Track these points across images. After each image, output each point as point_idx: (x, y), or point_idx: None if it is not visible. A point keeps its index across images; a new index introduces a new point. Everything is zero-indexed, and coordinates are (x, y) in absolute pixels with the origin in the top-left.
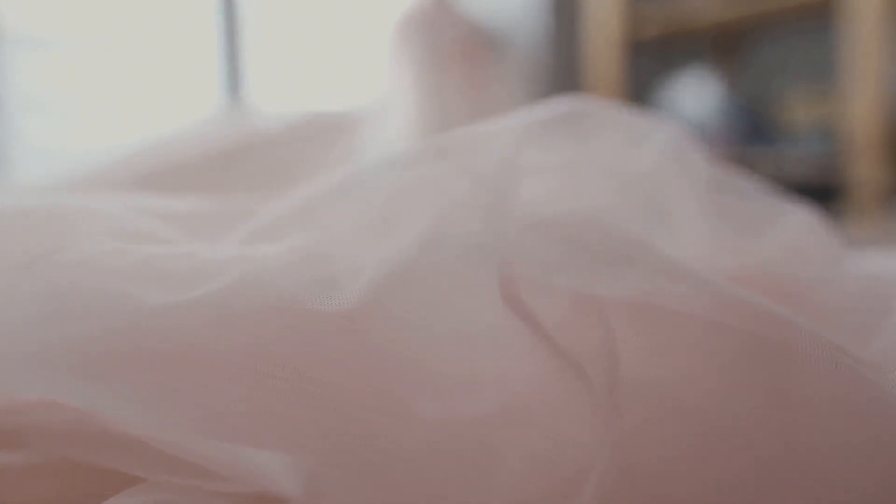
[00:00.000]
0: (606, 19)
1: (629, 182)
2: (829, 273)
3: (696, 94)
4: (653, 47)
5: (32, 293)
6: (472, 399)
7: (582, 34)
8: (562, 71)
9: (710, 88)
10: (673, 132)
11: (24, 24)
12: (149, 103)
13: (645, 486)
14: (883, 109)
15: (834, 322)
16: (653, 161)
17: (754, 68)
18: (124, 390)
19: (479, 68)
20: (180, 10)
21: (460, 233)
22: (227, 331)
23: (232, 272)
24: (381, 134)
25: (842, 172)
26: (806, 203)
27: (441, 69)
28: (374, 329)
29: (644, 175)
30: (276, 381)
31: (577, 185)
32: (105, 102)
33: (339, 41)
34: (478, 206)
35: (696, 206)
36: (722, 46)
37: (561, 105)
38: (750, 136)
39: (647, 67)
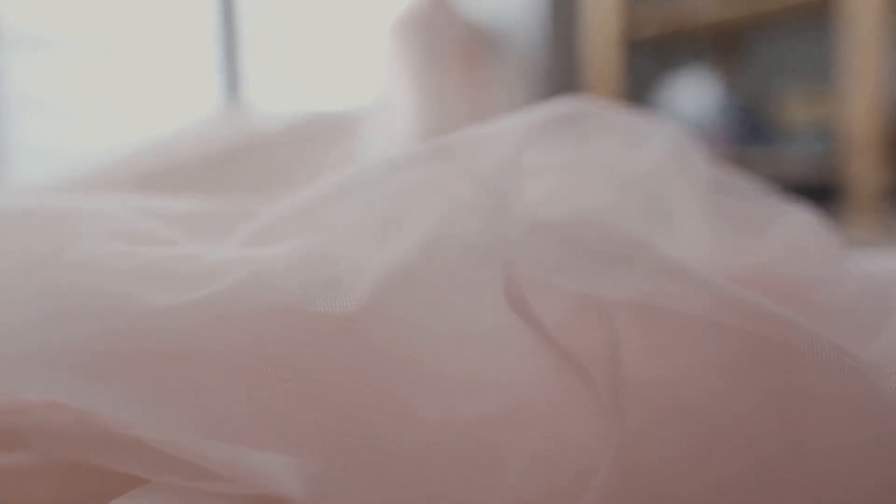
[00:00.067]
0: (605, 19)
1: (629, 182)
2: (830, 273)
3: (695, 93)
4: (651, 47)
5: (33, 293)
6: (474, 399)
7: (580, 34)
8: (560, 71)
9: (708, 88)
10: (673, 132)
11: (23, 23)
12: (147, 103)
13: (647, 487)
14: (881, 109)
15: (835, 322)
16: (653, 161)
17: (752, 68)
18: (125, 391)
19: (478, 68)
20: (178, 9)
21: (462, 234)
22: (229, 332)
23: (234, 273)
24: (380, 134)
25: (840, 172)
26: (803, 203)
27: (439, 69)
28: (375, 330)
29: (644, 175)
30: (278, 382)
31: (578, 185)
32: (104, 102)
33: (337, 41)
34: (479, 206)
35: (696, 207)
36: (720, 46)
37: (561, 106)
38: (748, 136)
39: (645, 67)
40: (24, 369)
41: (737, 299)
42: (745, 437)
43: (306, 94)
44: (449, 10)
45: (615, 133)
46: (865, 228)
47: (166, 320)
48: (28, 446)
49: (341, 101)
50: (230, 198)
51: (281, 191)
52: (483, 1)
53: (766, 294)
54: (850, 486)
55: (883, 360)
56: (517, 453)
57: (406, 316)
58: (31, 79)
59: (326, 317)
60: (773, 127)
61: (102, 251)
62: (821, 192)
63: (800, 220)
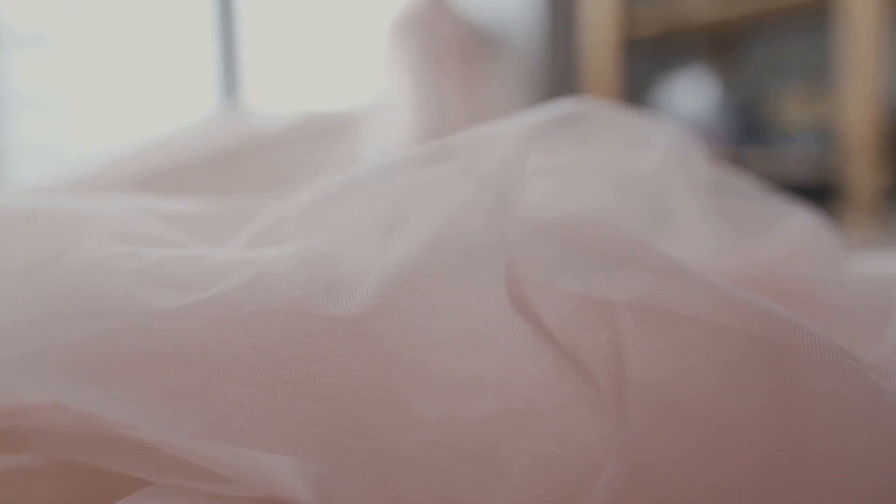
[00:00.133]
0: (602, 19)
1: (631, 183)
2: (831, 274)
3: (692, 93)
4: (649, 46)
5: (35, 295)
6: (477, 400)
7: (578, 33)
8: (558, 70)
9: (705, 88)
10: (674, 133)
11: (21, 22)
12: (146, 103)
13: (649, 487)
14: (878, 109)
15: (836, 323)
16: (654, 162)
17: (750, 68)
18: (128, 392)
19: (475, 67)
20: (176, 9)
21: (465, 234)
22: (233, 333)
23: (237, 274)
24: (379, 134)
25: (837, 172)
26: (801, 203)
27: (437, 68)
28: (379, 330)
29: (646, 176)
30: (282, 383)
31: (580, 186)
32: (102, 102)
33: (335, 41)
34: (482, 207)
35: (697, 207)
36: (718, 46)
37: (563, 106)
38: (745, 136)
39: (643, 67)
40: (26, 371)
41: (738, 300)
42: (747, 437)
43: (304, 94)
44: (447, 10)
45: (616, 134)
46: (862, 229)
47: (169, 321)
48: (30, 448)
49: (340, 101)
50: (231, 198)
51: (280, 191)
52: (481, 0)
53: (768, 295)
54: (852, 486)
55: (884, 360)
56: (520, 454)
57: (409, 317)
58: (30, 78)
59: (330, 318)
60: (770, 127)
61: (105, 252)
62: (818, 192)
63: (801, 220)
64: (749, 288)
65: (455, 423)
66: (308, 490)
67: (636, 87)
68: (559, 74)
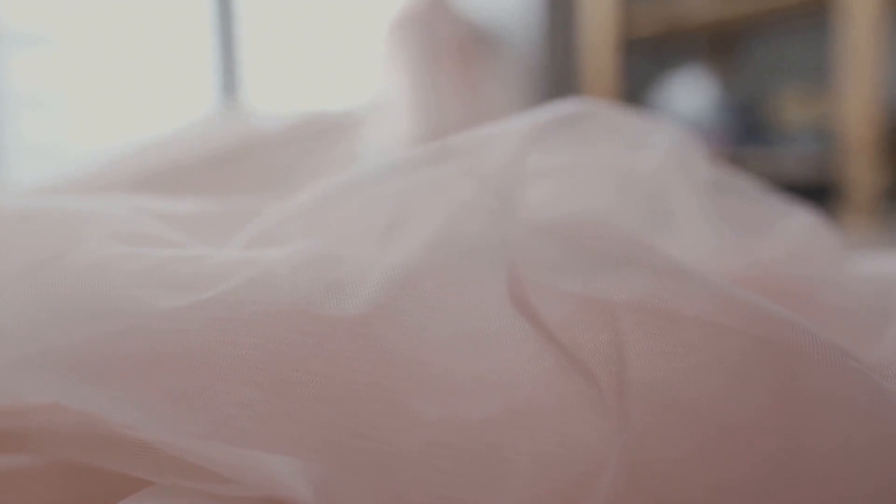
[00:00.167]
0: (602, 18)
1: (632, 184)
2: (831, 274)
3: (691, 93)
4: (648, 46)
5: (36, 295)
6: (478, 400)
7: (577, 33)
8: (557, 69)
9: (704, 88)
10: (675, 133)
11: (21, 22)
12: (145, 103)
13: (651, 488)
14: (878, 109)
15: (837, 323)
16: (655, 162)
17: (749, 68)
18: (129, 393)
19: (475, 67)
20: (176, 9)
21: (466, 235)
22: (235, 333)
23: (239, 275)
24: (378, 133)
25: (836, 173)
26: (800, 203)
27: (436, 68)
28: (381, 331)
29: (646, 176)
30: (283, 384)
31: (581, 186)
32: (101, 101)
33: (334, 40)
34: (483, 208)
35: (697, 208)
36: (717, 46)
37: (563, 107)
38: (744, 136)
39: (642, 66)
40: (26, 371)
41: (739, 300)
42: (748, 437)
43: (304, 94)
44: (446, 10)
45: (618, 135)
46: (862, 229)
47: (171, 322)
48: (30, 448)
49: (339, 101)
50: (231, 198)
51: (281, 191)
52: (480, 0)
53: (768, 295)
54: (853, 486)
55: (885, 361)
56: (521, 454)
57: (410, 317)
58: (30, 78)
59: (331, 318)
60: (769, 127)
61: (105, 253)
62: (817, 192)
63: (801, 220)
64: (749, 288)
65: (456, 423)
66: (309, 490)
67: (635, 87)
68: (558, 74)
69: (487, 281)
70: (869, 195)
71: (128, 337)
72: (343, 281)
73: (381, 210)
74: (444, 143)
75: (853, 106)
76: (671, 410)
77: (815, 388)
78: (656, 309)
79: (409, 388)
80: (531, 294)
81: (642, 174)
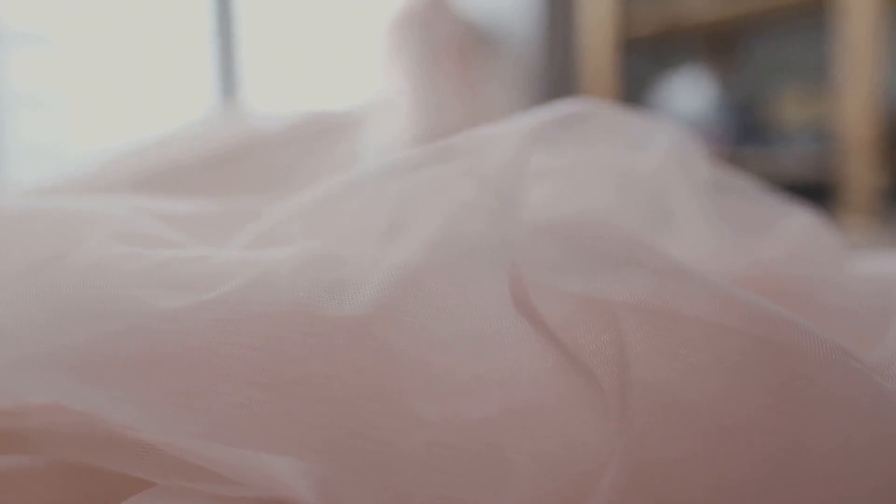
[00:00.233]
0: (600, 18)
1: (632, 184)
2: (832, 274)
3: (690, 93)
4: (646, 46)
5: (37, 296)
6: (479, 400)
7: (576, 32)
8: (556, 69)
9: (703, 87)
10: (675, 134)
11: (20, 21)
12: (145, 103)
13: (652, 488)
14: (876, 109)
15: (838, 323)
16: (655, 163)
17: (748, 68)
18: (131, 393)
19: (474, 67)
20: (176, 9)
21: (467, 235)
22: (236, 334)
23: (240, 275)
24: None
25: (835, 172)
26: (799, 203)
27: (436, 68)
28: (382, 331)
29: (646, 177)
30: (285, 384)
31: (581, 187)
32: (101, 101)
33: (333, 40)
34: (485, 208)
35: (698, 208)
36: (715, 45)
37: (563, 107)
38: (743, 136)
39: (640, 66)
40: (27, 371)
41: (740, 301)
42: (749, 437)
43: (304, 94)
44: (445, 9)
45: (618, 135)
46: (861, 229)
47: (172, 322)
48: (31, 448)
49: (338, 101)
50: (232, 199)
51: (281, 191)
52: (479, 0)
53: (768, 295)
54: (854, 486)
55: (886, 361)
56: (523, 454)
57: (412, 317)
58: (30, 77)
59: (333, 319)
60: (768, 126)
61: (106, 253)
62: (816, 192)
63: (801, 220)
64: (749, 288)
65: (458, 423)
66: (310, 490)
67: (634, 87)
68: (557, 74)
69: (488, 281)
70: (868, 195)
71: (128, 337)
72: (344, 281)
73: (381, 210)
74: (444, 143)
75: (852, 106)
76: (672, 410)
77: (816, 388)
78: (657, 309)
79: (410, 388)
80: (532, 294)
81: (642, 174)
